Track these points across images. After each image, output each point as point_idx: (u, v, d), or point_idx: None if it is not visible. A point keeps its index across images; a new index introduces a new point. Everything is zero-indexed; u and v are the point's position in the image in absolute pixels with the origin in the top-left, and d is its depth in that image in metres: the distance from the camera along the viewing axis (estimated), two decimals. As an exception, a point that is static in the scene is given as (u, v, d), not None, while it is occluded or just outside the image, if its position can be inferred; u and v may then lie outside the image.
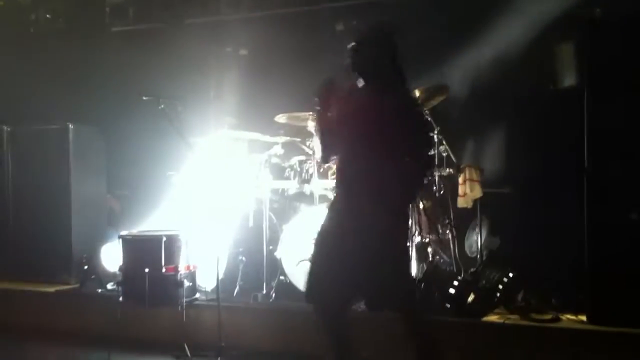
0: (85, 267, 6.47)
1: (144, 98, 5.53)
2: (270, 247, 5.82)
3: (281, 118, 6.22)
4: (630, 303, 4.43)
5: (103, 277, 6.29)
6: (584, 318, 4.63)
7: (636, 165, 4.55)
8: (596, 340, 4.43)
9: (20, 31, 8.27)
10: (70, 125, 6.83)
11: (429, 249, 5.69)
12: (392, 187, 3.70)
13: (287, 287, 5.70)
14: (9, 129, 7.10)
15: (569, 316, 4.71)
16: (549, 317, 4.75)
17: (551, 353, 4.49)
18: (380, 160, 3.74)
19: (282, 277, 5.73)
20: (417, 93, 5.97)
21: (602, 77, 4.63)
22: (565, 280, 5.11)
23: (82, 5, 8.11)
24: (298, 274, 5.62)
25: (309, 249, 5.52)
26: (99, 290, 6.17)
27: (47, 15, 8.18)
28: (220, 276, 5.38)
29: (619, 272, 4.50)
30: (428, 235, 5.78)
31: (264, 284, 5.74)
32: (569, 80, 6.31)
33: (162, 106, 5.45)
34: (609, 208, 4.57)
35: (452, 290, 5.06)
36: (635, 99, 4.56)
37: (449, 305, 5.04)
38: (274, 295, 5.69)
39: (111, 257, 6.29)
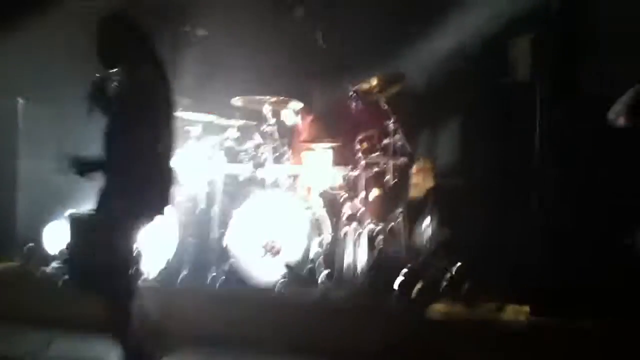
0: (30, 244, 6.32)
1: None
2: (221, 231, 5.75)
3: (238, 101, 6.15)
4: (572, 297, 4.47)
5: (46, 256, 6.15)
6: (527, 309, 4.67)
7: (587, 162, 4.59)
8: (537, 332, 4.46)
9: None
10: (20, 100, 6.66)
11: (379, 237, 5.67)
12: None
13: (236, 272, 5.63)
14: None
15: (513, 307, 4.74)
16: (493, 307, 4.77)
17: (494, 344, 4.51)
18: None
19: (230, 261, 5.66)
20: (374, 81, 5.96)
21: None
22: (511, 271, 5.14)
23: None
24: (246, 259, 5.57)
25: (258, 235, 5.56)
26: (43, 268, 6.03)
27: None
28: (169, 258, 5.30)
29: (565, 266, 4.54)
30: (379, 223, 5.77)
31: (213, 268, 5.67)
32: (524, 72, 6.35)
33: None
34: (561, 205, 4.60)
35: (399, 279, 5.06)
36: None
37: (396, 294, 5.05)
38: (222, 278, 5.62)
39: (56, 236, 6.18)
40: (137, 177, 3.82)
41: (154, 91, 3.89)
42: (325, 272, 5.51)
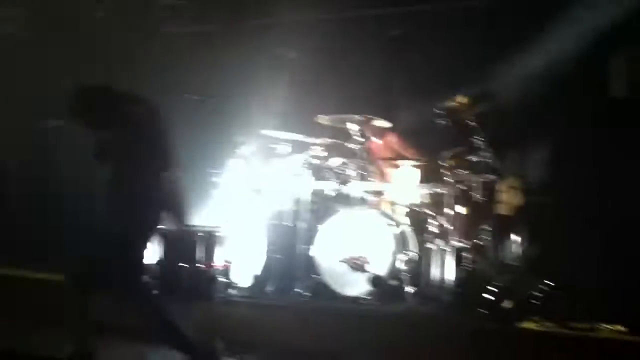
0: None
1: (187, 96, 5.61)
2: (306, 247, 5.80)
3: (323, 120, 6.23)
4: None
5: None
6: (622, 328, 4.49)
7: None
8: (634, 350, 4.27)
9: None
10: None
11: (465, 254, 5.59)
12: None
13: (321, 287, 5.68)
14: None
15: (607, 326, 4.57)
16: (587, 326, 4.61)
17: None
18: None
19: (315, 276, 5.70)
20: (462, 100, 5.93)
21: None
22: (604, 290, 4.97)
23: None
24: (332, 273, 5.60)
25: (344, 250, 5.58)
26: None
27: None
28: (257, 272, 5.38)
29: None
30: (465, 241, 5.70)
31: (298, 283, 5.72)
32: (622, 90, 6.19)
33: (206, 104, 5.51)
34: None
35: (487, 296, 4.97)
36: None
37: (484, 311, 4.95)
38: (307, 294, 5.66)
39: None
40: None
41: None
42: (412, 288, 5.48)
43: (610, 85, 6.25)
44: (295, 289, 5.71)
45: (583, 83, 6.27)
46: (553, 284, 5.07)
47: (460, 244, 5.65)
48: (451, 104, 6.02)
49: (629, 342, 4.38)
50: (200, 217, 6.26)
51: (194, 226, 5.99)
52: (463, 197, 5.85)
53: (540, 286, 5.07)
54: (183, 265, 5.61)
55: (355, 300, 5.51)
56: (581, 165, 6.06)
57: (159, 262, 5.79)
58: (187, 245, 5.63)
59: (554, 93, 6.33)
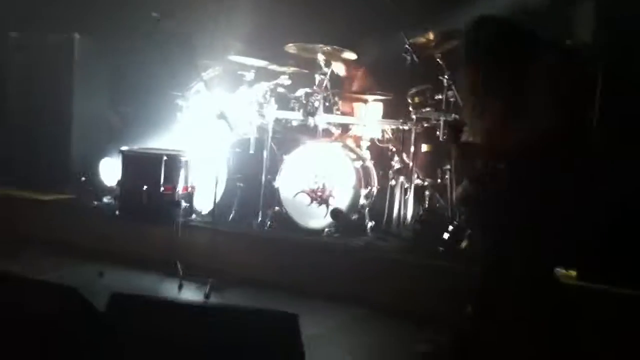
0: (83, 178, 6.49)
1: (154, 15, 5.45)
2: (269, 177, 5.84)
3: (291, 48, 6.16)
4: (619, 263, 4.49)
5: (100, 190, 6.32)
6: (574, 273, 4.70)
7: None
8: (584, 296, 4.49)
9: None
10: (76, 35, 6.76)
11: (427, 192, 5.72)
12: None
13: (283, 218, 5.74)
14: (15, 35, 7.02)
15: (561, 271, 4.77)
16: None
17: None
18: None
19: (277, 207, 5.76)
20: (430, 36, 5.92)
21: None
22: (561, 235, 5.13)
23: None
24: (294, 205, 5.67)
25: (306, 182, 5.63)
26: (95, 203, 6.20)
27: None
28: (218, 200, 5.41)
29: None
30: (427, 179, 5.81)
31: (260, 212, 5.78)
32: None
33: (171, 25, 5.37)
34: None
35: (445, 235, 5.12)
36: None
37: (441, 249, 5.11)
38: (269, 223, 5.73)
39: (110, 171, 6.32)
40: None
41: None
42: (371, 223, 5.59)
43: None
44: (257, 218, 5.76)
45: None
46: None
47: (422, 182, 5.77)
48: (420, 39, 6.02)
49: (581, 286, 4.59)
50: (163, 140, 6.23)
51: (156, 149, 5.97)
52: (426, 135, 5.94)
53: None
54: (144, 188, 5.59)
55: (316, 232, 5.60)
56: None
57: (119, 183, 5.78)
58: (149, 167, 5.59)
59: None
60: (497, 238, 3.73)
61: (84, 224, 6.01)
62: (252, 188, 5.93)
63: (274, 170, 5.85)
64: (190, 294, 4.99)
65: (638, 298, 4.39)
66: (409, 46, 6.10)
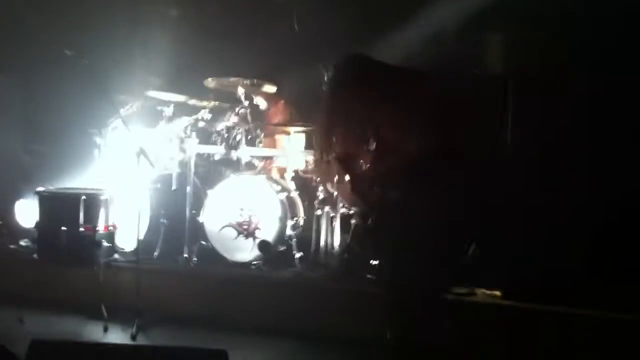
0: (-1, 222, 6.25)
1: (67, 52, 5.34)
2: (193, 212, 5.76)
3: (210, 82, 6.14)
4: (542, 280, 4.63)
5: (17, 233, 6.09)
6: (498, 293, 4.81)
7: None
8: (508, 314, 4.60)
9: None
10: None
11: (352, 221, 5.75)
12: None
13: (209, 252, 5.66)
14: None
15: (483, 291, 4.87)
16: (464, 291, 4.89)
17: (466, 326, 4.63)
18: None
19: (203, 242, 5.68)
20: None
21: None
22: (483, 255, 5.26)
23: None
24: (220, 239, 5.60)
25: (232, 215, 5.59)
26: (12, 246, 5.96)
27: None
28: (141, 237, 5.28)
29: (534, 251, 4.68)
30: (352, 207, 5.84)
31: (185, 248, 5.68)
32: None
33: (86, 61, 5.26)
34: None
35: (373, 261, 5.16)
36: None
37: (370, 276, 5.14)
38: (195, 259, 5.64)
39: (26, 213, 6.11)
40: None
41: None
42: (299, 254, 5.59)
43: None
44: (183, 255, 5.66)
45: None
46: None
47: (347, 210, 5.81)
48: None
49: (504, 305, 4.70)
50: (82, 179, 6.07)
51: (74, 188, 5.80)
52: (348, 164, 5.99)
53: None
54: (63, 229, 5.42)
55: (243, 265, 5.55)
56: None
57: (37, 225, 5.58)
58: (67, 207, 5.43)
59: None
60: (395, 265, 3.78)
61: (1, 268, 5.75)
62: (177, 224, 5.84)
63: (198, 205, 5.78)
64: (116, 336, 4.85)
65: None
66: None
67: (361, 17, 6.63)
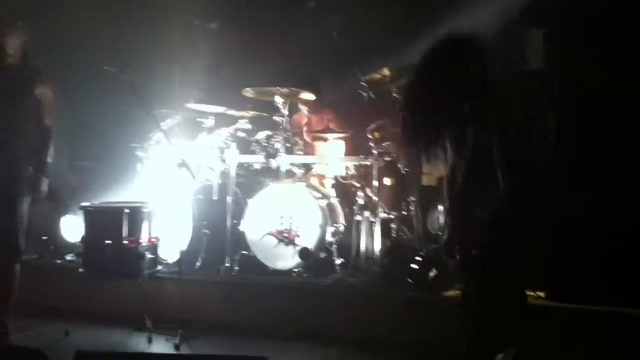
0: (44, 237, 6.36)
1: (105, 68, 5.44)
2: (234, 221, 5.78)
3: (248, 92, 6.18)
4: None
5: (62, 248, 6.20)
6: (542, 294, 4.70)
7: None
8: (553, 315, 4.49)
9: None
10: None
11: (392, 225, 5.71)
12: None
13: (250, 261, 5.68)
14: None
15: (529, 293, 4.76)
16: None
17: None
18: None
19: (245, 252, 5.70)
20: (385, 72, 6.00)
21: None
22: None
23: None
24: (261, 247, 5.61)
25: (272, 223, 5.59)
26: (58, 262, 6.07)
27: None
28: (183, 248, 5.33)
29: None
30: (392, 212, 5.81)
31: (227, 258, 5.71)
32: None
33: (126, 77, 5.34)
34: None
35: (414, 266, 5.09)
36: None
37: (410, 280, 5.08)
38: (236, 268, 5.66)
39: (71, 228, 6.22)
40: None
41: None
42: (340, 260, 5.56)
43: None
44: (225, 264, 5.69)
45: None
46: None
47: (387, 215, 5.77)
48: (375, 76, 6.11)
49: (549, 307, 4.59)
50: (125, 193, 6.16)
51: (118, 202, 5.88)
52: (388, 169, 5.97)
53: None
54: (108, 242, 5.49)
55: (284, 273, 5.55)
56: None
57: (82, 240, 5.66)
58: (111, 221, 5.50)
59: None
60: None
61: (48, 283, 5.86)
62: (218, 234, 5.87)
63: (238, 214, 5.80)
64: (161, 347, 4.86)
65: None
66: (365, 83, 6.21)
67: (397, 22, 6.59)
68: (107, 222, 5.58)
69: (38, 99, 4.83)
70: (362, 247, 5.63)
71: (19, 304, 5.60)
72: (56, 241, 6.35)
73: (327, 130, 6.25)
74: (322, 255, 5.62)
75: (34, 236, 6.50)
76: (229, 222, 5.79)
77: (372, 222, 5.62)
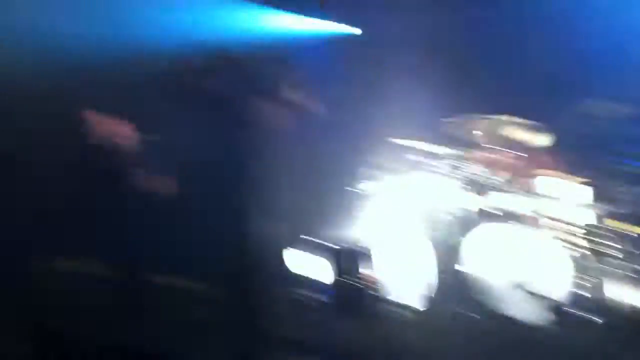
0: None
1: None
2: (468, 265, 5.50)
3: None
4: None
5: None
6: None
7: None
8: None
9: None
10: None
11: None
12: None
13: (488, 308, 5.39)
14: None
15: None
16: None
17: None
18: None
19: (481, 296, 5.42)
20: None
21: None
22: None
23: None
24: (503, 296, 5.33)
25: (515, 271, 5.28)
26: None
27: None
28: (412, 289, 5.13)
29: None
30: None
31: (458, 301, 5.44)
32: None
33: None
34: None
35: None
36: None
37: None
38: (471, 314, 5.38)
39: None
40: None
41: None
42: (599, 318, 5.15)
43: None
44: (459, 310, 5.42)
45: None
46: None
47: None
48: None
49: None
50: (351, 233, 6.02)
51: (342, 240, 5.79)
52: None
53: None
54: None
55: (532, 327, 5.21)
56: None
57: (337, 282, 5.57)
58: (357, 262, 5.43)
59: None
60: None
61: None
62: (453, 277, 5.57)
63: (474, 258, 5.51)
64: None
65: None
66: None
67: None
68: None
69: None
70: (622, 303, 5.17)
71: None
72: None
73: (567, 172, 5.80)
74: (575, 311, 5.21)
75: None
76: (462, 266, 5.51)
77: (631, 276, 5.16)
